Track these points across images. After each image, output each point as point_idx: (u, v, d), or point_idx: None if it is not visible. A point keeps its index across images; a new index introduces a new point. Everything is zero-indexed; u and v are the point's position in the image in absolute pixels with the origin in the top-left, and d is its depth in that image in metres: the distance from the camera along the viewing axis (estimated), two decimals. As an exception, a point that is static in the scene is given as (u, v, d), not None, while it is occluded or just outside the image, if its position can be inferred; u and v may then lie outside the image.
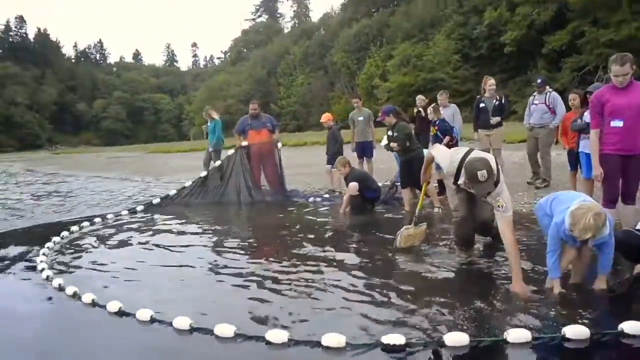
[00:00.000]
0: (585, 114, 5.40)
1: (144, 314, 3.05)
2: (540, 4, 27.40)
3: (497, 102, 7.23)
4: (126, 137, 71.70)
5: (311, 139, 24.25)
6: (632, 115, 3.71)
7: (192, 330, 2.83)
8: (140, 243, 5.38)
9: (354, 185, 6.63)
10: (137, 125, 77.31)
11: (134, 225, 6.43)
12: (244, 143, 8.26)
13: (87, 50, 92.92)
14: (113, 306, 3.22)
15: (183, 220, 6.68)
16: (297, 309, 3.13)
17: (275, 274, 3.91)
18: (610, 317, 2.85)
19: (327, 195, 8.14)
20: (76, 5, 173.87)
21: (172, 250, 4.97)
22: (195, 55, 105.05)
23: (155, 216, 7.06)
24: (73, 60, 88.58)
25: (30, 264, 4.53)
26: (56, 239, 5.46)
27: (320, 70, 46.97)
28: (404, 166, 6.54)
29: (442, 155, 4.02)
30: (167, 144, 45.88)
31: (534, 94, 7.35)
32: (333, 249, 4.66)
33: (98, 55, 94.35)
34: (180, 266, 4.35)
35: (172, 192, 8.14)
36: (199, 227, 6.33)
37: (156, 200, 7.89)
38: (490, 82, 7.40)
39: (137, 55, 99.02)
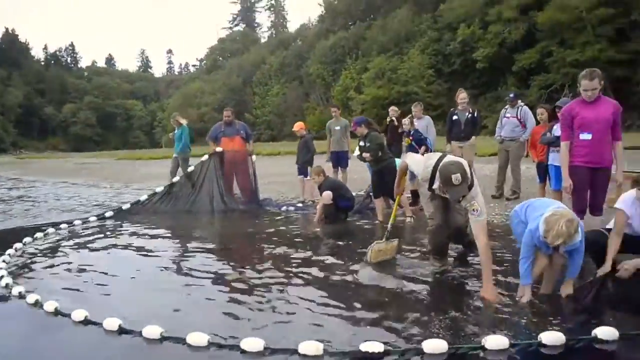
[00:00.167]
0: (555, 127, 5.56)
1: (111, 323, 2.91)
2: (511, 23, 28.27)
3: (470, 115, 7.37)
4: (96, 144, 70.00)
5: (285, 149, 24.20)
6: (600, 128, 3.84)
7: (163, 339, 2.72)
8: (107, 250, 5.21)
9: (327, 194, 6.61)
10: (107, 131, 75.61)
11: (102, 232, 6.24)
12: (218, 149, 8.15)
13: (57, 53, 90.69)
14: (78, 315, 3.06)
15: (153, 228, 6.52)
16: (272, 318, 3.08)
17: (248, 283, 3.84)
18: (583, 323, 2.89)
19: (300, 205, 8.10)
20: (47, 6, 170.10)
21: (140, 258, 4.83)
22: (170, 62, 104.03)
23: (125, 223, 6.86)
24: (42, 63, 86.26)
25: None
26: (18, 245, 5.23)
27: (295, 80, 47.08)
28: (376, 176, 6.58)
29: (416, 162, 4.05)
30: (138, 150, 44.98)
31: (506, 107, 7.53)
32: (306, 258, 4.61)
33: (69, 59, 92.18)
34: (149, 274, 4.22)
35: (143, 197, 7.95)
36: (169, 235, 6.20)
37: (126, 206, 7.69)
38: (462, 96, 7.53)
39: (110, 60, 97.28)
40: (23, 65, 77.40)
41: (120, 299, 3.53)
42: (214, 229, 7.07)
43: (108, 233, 6.19)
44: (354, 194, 7.18)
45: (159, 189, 8.04)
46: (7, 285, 3.79)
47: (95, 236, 5.96)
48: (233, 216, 7.64)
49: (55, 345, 2.81)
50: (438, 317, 2.97)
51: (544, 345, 2.47)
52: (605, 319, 2.82)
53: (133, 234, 6.14)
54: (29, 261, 4.73)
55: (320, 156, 8.95)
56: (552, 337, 2.49)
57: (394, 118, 8.39)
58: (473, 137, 7.50)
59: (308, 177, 8.37)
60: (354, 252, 4.76)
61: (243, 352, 2.54)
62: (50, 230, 6.18)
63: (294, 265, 4.34)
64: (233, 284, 3.82)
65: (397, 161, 6.46)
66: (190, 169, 8.26)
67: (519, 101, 7.50)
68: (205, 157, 8.16)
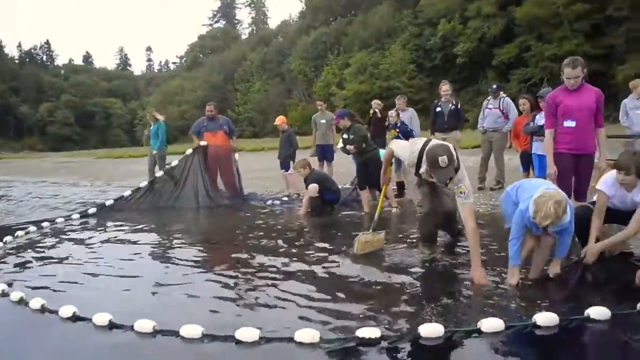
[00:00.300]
0: (537, 117, 5.66)
1: (101, 318, 2.82)
2: (490, 18, 28.56)
3: (453, 107, 7.44)
4: (74, 143, 68.55)
5: (268, 145, 24.11)
6: (583, 116, 3.92)
7: (156, 332, 2.66)
8: (91, 247, 5.11)
9: (314, 186, 6.61)
10: (86, 130, 74.14)
11: (85, 229, 6.15)
12: (203, 142, 8.06)
13: (32, 51, 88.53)
14: (66, 311, 2.96)
15: (137, 223, 6.43)
16: (261, 311, 3.04)
17: (237, 277, 3.78)
18: (574, 304, 2.94)
19: (285, 199, 8.09)
20: (20, 3, 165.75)
21: (125, 254, 4.74)
22: (149, 60, 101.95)
23: (108, 219, 6.75)
24: (17, 61, 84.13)
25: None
26: (-1, 244, 5.10)
27: (277, 77, 46.84)
28: (361, 168, 6.60)
29: (402, 147, 4.05)
30: (118, 149, 44.28)
31: (488, 98, 7.63)
32: (293, 251, 4.58)
33: (45, 57, 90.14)
34: (135, 269, 4.15)
35: (127, 192, 7.82)
36: (154, 230, 6.12)
37: (109, 202, 7.55)
38: (444, 88, 7.61)
39: (87, 58, 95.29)
40: (-4, 64, 75.35)
41: (107, 295, 3.46)
42: (199, 223, 7.01)
43: (91, 230, 6.09)
44: (340, 187, 7.20)
45: (143, 184, 7.93)
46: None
47: (78, 233, 5.86)
48: (219, 211, 7.59)
49: (43, 343, 2.73)
50: (430, 304, 2.98)
51: (539, 327, 2.51)
52: (594, 299, 2.86)
53: (117, 229, 6.05)
54: (10, 259, 4.61)
55: (303, 151, 8.93)
56: (546, 319, 2.53)
57: (377, 110, 8.43)
58: (459, 132, 7.55)
59: (290, 171, 8.36)
60: (340, 244, 4.73)
61: (238, 342, 2.51)
62: (32, 228, 6.04)
63: (281, 258, 4.28)
64: (221, 278, 3.76)
65: (382, 152, 6.48)
66: (174, 163, 8.11)
67: (501, 92, 7.60)
68: (189, 151, 8.07)
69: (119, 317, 2.82)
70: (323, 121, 8.59)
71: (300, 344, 2.45)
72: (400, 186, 7.58)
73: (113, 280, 3.86)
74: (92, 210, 7.23)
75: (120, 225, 6.31)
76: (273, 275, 3.78)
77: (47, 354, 2.59)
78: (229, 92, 51.49)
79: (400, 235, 4.97)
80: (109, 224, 6.48)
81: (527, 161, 6.20)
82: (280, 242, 5.03)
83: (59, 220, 6.68)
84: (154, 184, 7.92)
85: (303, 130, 22.54)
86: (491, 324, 2.49)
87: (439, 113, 7.51)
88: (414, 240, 4.55)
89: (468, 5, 29.77)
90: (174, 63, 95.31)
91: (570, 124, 3.93)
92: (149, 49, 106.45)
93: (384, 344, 2.42)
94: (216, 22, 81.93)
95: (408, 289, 3.32)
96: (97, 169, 19.89)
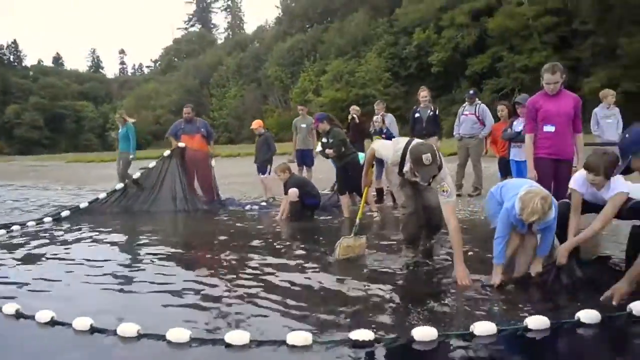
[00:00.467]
0: (515, 123, 5.79)
1: (82, 322, 2.71)
2: (464, 28, 29.24)
3: (431, 113, 7.55)
4: (44, 147, 66.41)
5: (244, 151, 23.94)
6: (562, 121, 4.04)
7: (140, 337, 2.57)
8: (66, 251, 4.96)
9: (294, 191, 6.59)
10: (56, 133, 72.00)
11: (57, 233, 5.96)
12: (181, 144, 7.94)
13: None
14: (44, 315, 2.83)
15: (111, 228, 6.27)
16: (247, 313, 2.98)
17: (217, 284, 3.67)
18: (565, 306, 2.98)
19: (264, 204, 8.03)
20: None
21: (102, 258, 4.61)
22: (122, 63, 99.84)
23: (82, 224, 6.57)
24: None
25: None
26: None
27: (253, 82, 46.67)
28: (340, 172, 6.61)
29: (385, 147, 4.07)
30: (89, 153, 43.20)
31: (464, 105, 7.78)
32: (275, 255, 4.50)
33: (12, 57, 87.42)
34: (113, 273, 4.03)
35: (102, 195, 7.64)
36: (130, 234, 5.98)
37: (84, 205, 7.35)
38: (423, 94, 7.72)
39: (57, 59, 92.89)
40: (-41, 64, 72.69)
41: (84, 300, 3.34)
42: (177, 227, 6.91)
43: (63, 233, 5.91)
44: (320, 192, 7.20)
45: (119, 187, 7.75)
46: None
47: (50, 238, 5.66)
48: (197, 215, 7.49)
49: (19, 351, 2.58)
50: (416, 308, 2.98)
51: (530, 330, 2.52)
52: (583, 302, 2.87)
53: (92, 232, 5.90)
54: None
55: (280, 157, 8.87)
56: (537, 322, 2.54)
57: (355, 116, 8.50)
58: (436, 139, 7.65)
59: (266, 175, 8.32)
60: (321, 248, 4.67)
61: (228, 346, 2.45)
62: (1, 232, 5.84)
63: (261, 264, 4.18)
64: (200, 285, 3.64)
65: (361, 155, 6.52)
66: (151, 165, 7.93)
67: (477, 99, 7.76)
68: (167, 152, 7.94)
69: (100, 322, 2.72)
70: (303, 125, 8.60)
71: (293, 347, 2.40)
72: (380, 192, 7.64)
73: (88, 285, 3.73)
74: (65, 213, 7.02)
75: (96, 228, 6.15)
76: (254, 282, 3.65)
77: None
78: (204, 97, 50.99)
79: (382, 241, 4.92)
80: (83, 226, 6.32)
81: (505, 167, 6.33)
82: (260, 247, 4.96)
83: (30, 223, 6.47)
84: (128, 186, 7.76)
85: (279, 137, 22.47)
86: (484, 327, 2.50)
87: (417, 119, 7.61)
88: (395, 244, 4.57)
89: (442, 15, 30.41)
90: (148, 67, 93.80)
91: (549, 129, 4.04)
92: (122, 51, 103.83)
93: (377, 346, 2.39)
94: (192, 26, 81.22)
95: (393, 293, 3.29)
96: (69, 173, 19.37)
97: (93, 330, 2.69)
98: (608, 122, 6.98)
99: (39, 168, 24.37)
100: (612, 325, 2.59)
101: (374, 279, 3.60)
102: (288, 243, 5.37)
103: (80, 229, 6.17)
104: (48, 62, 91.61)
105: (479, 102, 7.74)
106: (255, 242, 5.19)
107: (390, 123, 8.13)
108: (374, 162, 4.63)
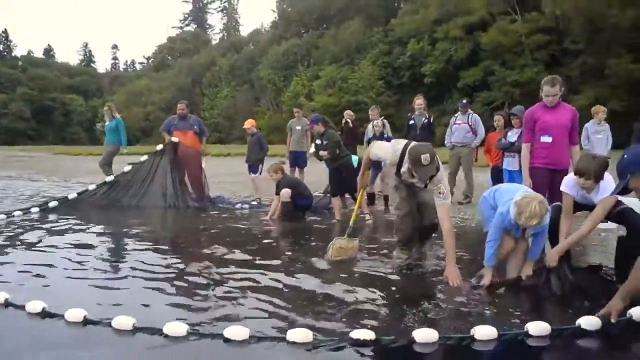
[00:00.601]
0: (509, 133, 5.89)
1: (75, 314, 2.65)
2: (458, 41, 29.64)
3: (426, 120, 7.64)
4: (29, 138, 65.48)
5: (235, 151, 23.89)
6: (559, 133, 4.14)
7: (136, 330, 2.52)
8: (53, 242, 4.86)
9: (286, 191, 6.58)
10: (43, 125, 70.97)
11: (44, 225, 5.81)
12: (174, 139, 7.89)
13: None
14: (34, 306, 2.77)
15: (100, 222, 6.19)
16: (241, 313, 2.93)
17: (207, 283, 3.58)
18: (563, 313, 3.00)
19: (255, 203, 8.01)
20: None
21: (90, 250, 4.55)
22: (115, 58, 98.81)
23: (69, 216, 6.45)
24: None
25: None
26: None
27: (246, 84, 46.61)
28: (334, 174, 6.62)
29: (383, 148, 4.10)
30: (77, 146, 42.67)
31: (457, 114, 7.88)
32: (267, 255, 4.41)
33: (1, 46, 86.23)
34: (103, 267, 3.99)
35: (92, 186, 7.54)
36: (119, 228, 5.90)
37: (72, 196, 7.24)
38: (418, 102, 7.82)
39: (48, 51, 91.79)
40: (-53, 51, 71.34)
41: (71, 292, 3.27)
42: (166, 223, 6.86)
43: (51, 226, 5.78)
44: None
45: (109, 179, 7.66)
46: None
47: (37, 230, 5.52)
48: (187, 212, 7.43)
49: (11, 341, 2.50)
50: (411, 310, 2.98)
51: (531, 336, 2.52)
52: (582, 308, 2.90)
53: (80, 224, 5.82)
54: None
55: (271, 158, 8.86)
56: (538, 328, 2.55)
57: (348, 120, 8.56)
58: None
59: (257, 174, 8.30)
60: (313, 250, 4.64)
61: (226, 340, 2.42)
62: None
63: (253, 264, 4.11)
64: (189, 283, 3.56)
65: (354, 158, 6.56)
66: (142, 158, 7.87)
67: (469, 109, 7.87)
68: (160, 147, 7.89)
69: (93, 314, 2.68)
70: (298, 127, 8.64)
71: (293, 343, 2.38)
72: (371, 197, 7.67)
73: (75, 279, 3.64)
74: (53, 204, 6.93)
75: (84, 220, 6.09)
76: (246, 283, 3.56)
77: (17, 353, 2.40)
78: (196, 96, 50.78)
79: (374, 244, 4.91)
80: (71, 218, 6.23)
81: (498, 176, 6.41)
82: (252, 247, 4.90)
83: (16, 213, 6.37)
84: (123, 176, 7.70)
85: (269, 139, 22.39)
86: (485, 331, 2.50)
87: (411, 126, 7.69)
88: (387, 248, 4.58)
89: (437, 28, 30.77)
90: (140, 63, 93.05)
91: (546, 139, 4.14)
92: (115, 46, 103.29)
93: (377, 346, 2.39)
94: (187, 25, 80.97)
95: (386, 296, 3.28)
96: (55, 164, 19.12)
97: (86, 322, 2.64)
98: (598, 137, 7.13)
99: (24, 158, 24.02)
100: (612, 331, 2.60)
101: (366, 282, 3.57)
102: (280, 244, 5.37)
103: (65, 221, 6.07)
104: (39, 54, 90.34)
105: (471, 112, 7.85)
106: (246, 242, 5.12)
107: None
108: (370, 166, 4.65)
